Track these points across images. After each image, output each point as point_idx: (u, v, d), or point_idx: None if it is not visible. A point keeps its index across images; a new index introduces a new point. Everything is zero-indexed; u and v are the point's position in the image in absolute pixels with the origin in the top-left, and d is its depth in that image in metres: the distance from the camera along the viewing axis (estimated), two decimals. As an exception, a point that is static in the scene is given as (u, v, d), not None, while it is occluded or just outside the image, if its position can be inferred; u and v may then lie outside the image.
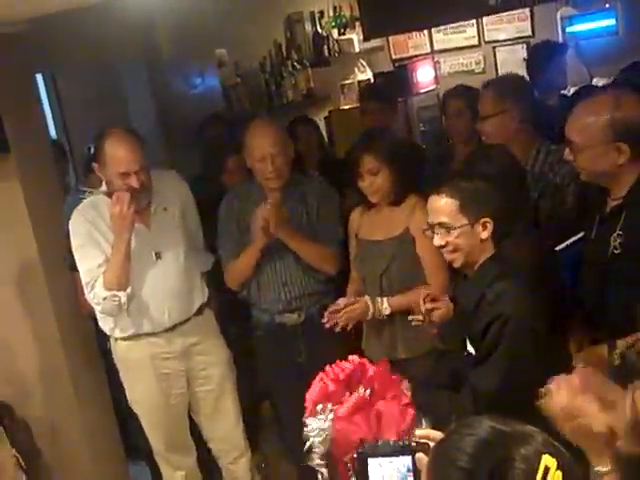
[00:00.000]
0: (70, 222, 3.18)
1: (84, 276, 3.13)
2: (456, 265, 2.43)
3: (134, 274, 3.11)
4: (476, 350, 2.35)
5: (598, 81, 5.66)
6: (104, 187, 3.17)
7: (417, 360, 3.09)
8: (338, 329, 3.10)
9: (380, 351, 3.16)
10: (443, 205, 2.36)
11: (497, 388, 2.25)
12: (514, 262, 2.42)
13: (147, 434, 3.40)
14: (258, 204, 3.21)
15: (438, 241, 2.39)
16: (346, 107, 6.06)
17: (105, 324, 3.25)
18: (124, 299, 3.08)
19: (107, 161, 3.03)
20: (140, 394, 3.31)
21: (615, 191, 2.46)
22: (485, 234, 2.33)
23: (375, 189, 3.08)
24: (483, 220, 2.33)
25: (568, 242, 2.69)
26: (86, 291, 3.12)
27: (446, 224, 2.35)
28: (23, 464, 3.18)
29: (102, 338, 3.42)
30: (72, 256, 3.47)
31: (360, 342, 3.28)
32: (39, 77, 4.47)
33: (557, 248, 2.70)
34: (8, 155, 3.22)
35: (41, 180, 3.43)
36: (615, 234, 2.41)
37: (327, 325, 3.10)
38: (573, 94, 4.62)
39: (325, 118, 5.96)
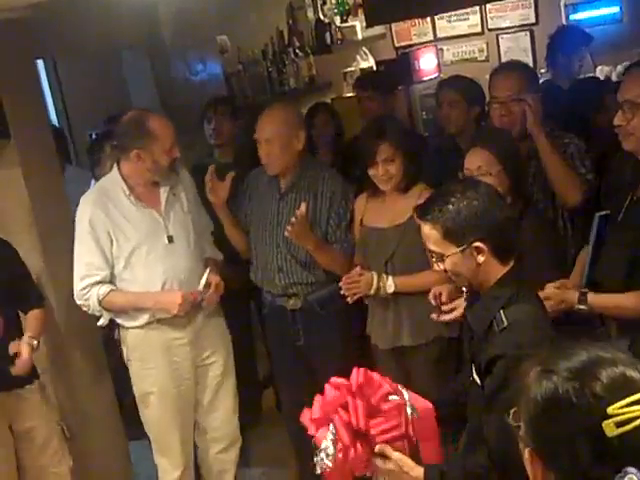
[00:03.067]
0: (77, 211, 3.20)
1: (78, 273, 3.12)
2: (463, 287, 2.24)
3: (149, 258, 3.13)
4: (480, 382, 2.09)
5: (602, 69, 5.64)
6: (115, 173, 3.18)
7: (422, 347, 3.08)
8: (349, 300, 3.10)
9: (385, 338, 3.16)
10: (428, 233, 2.14)
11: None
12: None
13: (153, 429, 3.33)
14: (265, 184, 3.34)
15: (436, 267, 2.17)
16: (349, 95, 6.02)
17: (117, 315, 3.21)
18: (105, 321, 3.19)
19: (157, 137, 3.08)
20: (153, 384, 3.24)
21: None
22: (481, 257, 2.07)
23: (389, 177, 3.07)
24: (474, 245, 2.07)
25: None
26: (77, 287, 3.12)
27: (436, 252, 2.13)
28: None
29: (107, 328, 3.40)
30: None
31: (360, 330, 3.28)
32: (40, 62, 4.44)
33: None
34: (9, 141, 3.20)
35: (42, 166, 3.41)
36: None
37: (343, 292, 3.09)
38: (577, 82, 4.62)
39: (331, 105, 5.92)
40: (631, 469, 1.06)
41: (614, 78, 5.36)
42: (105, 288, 3.08)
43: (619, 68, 5.52)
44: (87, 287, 3.10)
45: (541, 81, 4.97)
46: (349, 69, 6.19)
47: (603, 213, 2.54)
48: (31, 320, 3.18)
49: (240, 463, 4.01)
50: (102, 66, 4.71)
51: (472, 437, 2.13)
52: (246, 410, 4.28)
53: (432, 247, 2.13)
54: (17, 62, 3.28)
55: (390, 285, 3.05)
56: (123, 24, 4.26)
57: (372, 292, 3.07)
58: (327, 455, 1.97)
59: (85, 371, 3.47)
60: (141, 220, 3.16)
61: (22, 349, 3.04)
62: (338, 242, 3.27)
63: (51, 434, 3.18)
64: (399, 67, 6.02)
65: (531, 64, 6.08)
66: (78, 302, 3.13)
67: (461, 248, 2.07)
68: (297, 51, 5.66)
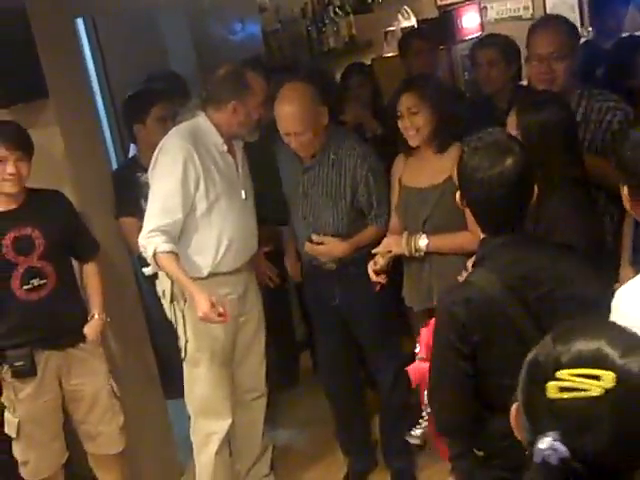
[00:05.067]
0: (167, 144, 3.12)
1: (153, 209, 3.03)
2: None
3: (228, 209, 3.14)
4: None
5: (651, 28, 5.46)
6: (203, 120, 3.14)
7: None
8: (382, 280, 3.11)
9: (418, 300, 3.16)
10: None
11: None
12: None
13: (202, 388, 3.28)
14: (290, 156, 3.31)
15: None
16: (389, 55, 5.92)
17: (187, 263, 3.09)
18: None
19: (254, 91, 3.20)
20: (207, 341, 3.20)
21: None
22: (466, 210, 2.15)
23: (415, 130, 3.01)
24: (459, 188, 2.13)
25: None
26: (147, 226, 3.02)
27: None
28: (118, 393, 3.26)
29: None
30: (119, 206, 3.55)
31: (396, 292, 3.28)
32: (80, 22, 4.45)
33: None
34: (47, 100, 3.20)
35: (81, 126, 3.41)
36: None
37: (374, 279, 3.12)
38: (615, 43, 4.48)
39: (368, 66, 5.85)
40: (553, 433, 1.06)
41: (664, 37, 5.19)
42: (167, 246, 2.98)
43: (669, 26, 5.35)
44: (154, 232, 3.00)
45: (583, 41, 4.86)
46: (390, 28, 6.08)
47: None
48: (91, 287, 3.23)
49: (278, 423, 4.08)
50: (141, 26, 4.70)
51: None
52: (284, 372, 4.34)
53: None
54: (56, 21, 3.28)
55: (423, 240, 3.02)
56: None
57: (405, 251, 3.06)
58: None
59: (122, 328, 3.50)
60: (225, 169, 3.17)
61: (89, 332, 3.15)
62: (377, 220, 3.28)
63: (99, 393, 3.22)
64: (440, 26, 5.90)
65: (578, 22, 5.91)
66: (140, 242, 3.04)
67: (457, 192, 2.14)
68: (337, 10, 5.59)
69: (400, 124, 3.04)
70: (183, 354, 3.23)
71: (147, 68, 4.36)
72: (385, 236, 3.21)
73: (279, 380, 4.09)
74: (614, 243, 2.83)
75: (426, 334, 2.33)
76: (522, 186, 2.04)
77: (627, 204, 1.85)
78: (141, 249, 3.07)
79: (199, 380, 3.29)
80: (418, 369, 2.33)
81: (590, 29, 5.23)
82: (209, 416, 3.33)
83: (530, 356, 1.17)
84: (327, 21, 5.51)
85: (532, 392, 1.14)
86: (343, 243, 3.28)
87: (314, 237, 3.29)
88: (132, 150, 4.06)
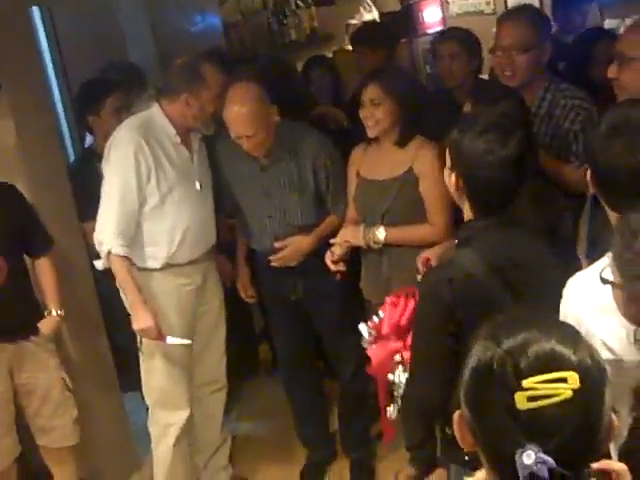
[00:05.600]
0: (119, 137, 3.09)
1: (110, 208, 3.01)
2: None
3: (181, 200, 3.12)
4: None
5: (610, 23, 5.52)
6: (156, 110, 3.11)
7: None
8: (341, 268, 3.12)
9: (377, 292, 3.13)
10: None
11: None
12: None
13: (158, 380, 3.26)
14: (239, 156, 3.23)
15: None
16: (351, 47, 5.91)
17: (135, 254, 3.08)
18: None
19: (207, 84, 3.12)
20: (165, 329, 3.13)
21: None
22: (453, 188, 2.08)
23: (375, 122, 3.00)
24: (454, 174, 2.07)
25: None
26: (107, 225, 3.00)
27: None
28: (70, 385, 3.21)
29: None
30: (81, 208, 3.48)
31: (357, 282, 3.28)
32: (35, 11, 4.36)
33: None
34: (-1, 92, 3.14)
35: (36, 118, 3.33)
36: None
37: (333, 268, 3.12)
38: (576, 36, 4.52)
39: (329, 59, 5.83)
40: (531, 445, 1.04)
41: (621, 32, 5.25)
42: (121, 250, 2.99)
43: (627, 21, 5.40)
44: (111, 230, 2.98)
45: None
46: (352, 21, 6.08)
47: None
48: (46, 283, 3.17)
49: (237, 414, 4.07)
50: (100, 16, 4.63)
51: None
52: (243, 363, 4.32)
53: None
54: (9, 9, 3.20)
55: (381, 233, 3.02)
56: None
57: (362, 243, 3.05)
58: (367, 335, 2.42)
59: (78, 321, 3.45)
60: (178, 160, 3.14)
61: (45, 327, 3.11)
62: (333, 208, 3.29)
63: (51, 386, 3.18)
64: (402, 19, 5.91)
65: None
66: (95, 236, 3.03)
67: (449, 170, 2.08)
68: (299, 2, 5.57)
69: (361, 113, 3.03)
70: (139, 345, 3.20)
71: (105, 58, 4.30)
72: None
73: (238, 371, 4.07)
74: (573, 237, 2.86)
75: (393, 313, 2.33)
76: (524, 164, 2.05)
77: (591, 186, 1.87)
78: (95, 242, 3.05)
79: (156, 371, 3.26)
80: (382, 349, 2.33)
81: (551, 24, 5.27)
82: (167, 407, 3.30)
83: (474, 364, 1.13)
84: (289, 13, 5.49)
85: (490, 402, 1.10)
86: (307, 237, 3.27)
87: (276, 245, 3.27)
88: (88, 140, 4.00)
